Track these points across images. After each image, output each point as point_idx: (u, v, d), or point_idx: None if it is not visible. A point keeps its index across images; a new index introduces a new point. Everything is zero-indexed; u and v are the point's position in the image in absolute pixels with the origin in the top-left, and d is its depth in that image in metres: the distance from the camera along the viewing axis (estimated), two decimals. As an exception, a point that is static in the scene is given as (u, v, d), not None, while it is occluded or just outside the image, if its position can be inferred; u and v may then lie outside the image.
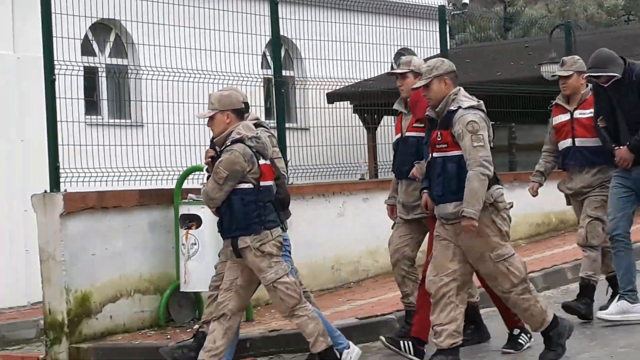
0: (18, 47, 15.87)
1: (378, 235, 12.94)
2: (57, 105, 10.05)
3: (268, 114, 14.48)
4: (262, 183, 8.60)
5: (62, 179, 9.98)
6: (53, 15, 9.94)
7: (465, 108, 8.37)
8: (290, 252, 9.29)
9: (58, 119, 10.04)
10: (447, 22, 15.82)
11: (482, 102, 8.53)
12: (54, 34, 9.98)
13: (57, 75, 10.02)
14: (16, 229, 15.14)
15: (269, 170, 8.70)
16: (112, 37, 16.93)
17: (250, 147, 8.52)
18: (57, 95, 10.02)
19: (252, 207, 8.54)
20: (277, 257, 8.52)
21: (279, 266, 8.49)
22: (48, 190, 9.88)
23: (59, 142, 10.04)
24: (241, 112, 8.81)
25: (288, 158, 12.37)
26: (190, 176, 10.68)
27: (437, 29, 15.00)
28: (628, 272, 9.51)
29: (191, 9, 11.83)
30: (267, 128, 9.54)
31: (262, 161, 8.61)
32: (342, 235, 12.79)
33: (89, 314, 9.94)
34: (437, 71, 8.57)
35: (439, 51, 14.79)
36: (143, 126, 12.62)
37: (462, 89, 8.65)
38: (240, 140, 8.54)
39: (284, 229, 8.96)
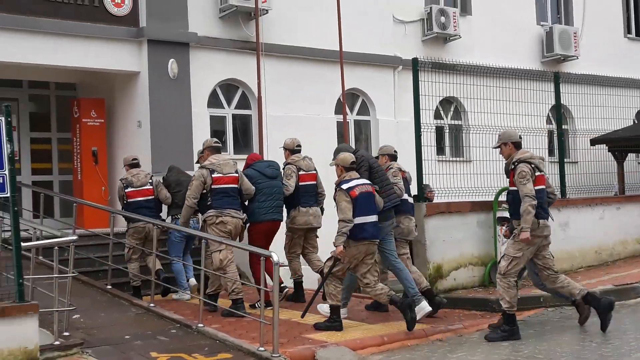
0: (397, 115, 16.23)
1: (627, 232, 12.34)
2: (421, 150, 10.20)
3: (551, 154, 13.95)
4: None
5: (425, 195, 10.11)
6: (421, 96, 10.12)
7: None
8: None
9: (423, 158, 10.17)
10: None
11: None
12: (420, 107, 10.16)
13: (422, 132, 10.17)
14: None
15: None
16: (452, 108, 16.96)
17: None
18: (422, 144, 10.16)
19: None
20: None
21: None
22: (416, 201, 10.01)
23: (423, 171, 10.16)
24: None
25: (567, 182, 12.07)
26: (503, 192, 10.53)
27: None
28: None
29: (500, 89, 11.63)
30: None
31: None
32: (602, 231, 12.20)
33: (441, 277, 9.98)
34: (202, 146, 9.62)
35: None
36: (471, 162, 12.50)
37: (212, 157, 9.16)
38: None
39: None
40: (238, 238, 9.21)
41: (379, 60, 16.06)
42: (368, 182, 8.39)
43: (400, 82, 16.16)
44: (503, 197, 10.52)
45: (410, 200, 9.44)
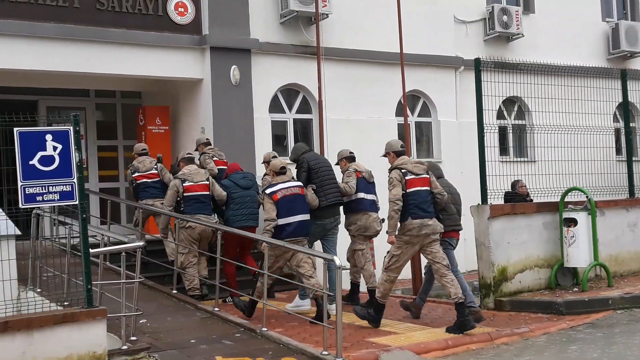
0: (459, 116, 16.07)
1: None
2: (484, 151, 10.04)
3: (618, 152, 13.59)
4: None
5: (488, 196, 9.94)
6: (483, 96, 9.97)
7: None
8: None
9: (486, 159, 10.01)
10: None
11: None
12: (483, 108, 10.01)
13: (485, 133, 10.01)
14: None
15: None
16: (515, 108, 16.68)
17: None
18: (485, 145, 10.01)
19: None
20: None
21: None
22: (480, 203, 9.88)
23: (486, 172, 10.00)
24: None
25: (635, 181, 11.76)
26: (570, 193, 10.33)
27: None
28: None
29: (564, 87, 11.37)
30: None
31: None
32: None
33: (506, 279, 9.82)
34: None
35: None
36: (536, 162, 12.28)
37: (185, 168, 10.35)
38: None
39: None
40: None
41: (440, 61, 15.91)
42: (297, 184, 9.13)
43: (462, 82, 15.98)
44: (569, 198, 10.33)
45: (369, 197, 9.68)
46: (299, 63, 14.28)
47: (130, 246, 7.91)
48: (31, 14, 11.93)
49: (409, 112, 15.15)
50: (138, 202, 11.21)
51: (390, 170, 8.55)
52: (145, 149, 11.61)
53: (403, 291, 12.74)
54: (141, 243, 8.31)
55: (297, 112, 14.65)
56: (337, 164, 10.14)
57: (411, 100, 15.68)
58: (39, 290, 8.63)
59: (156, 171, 11.28)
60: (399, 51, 13.79)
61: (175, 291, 10.10)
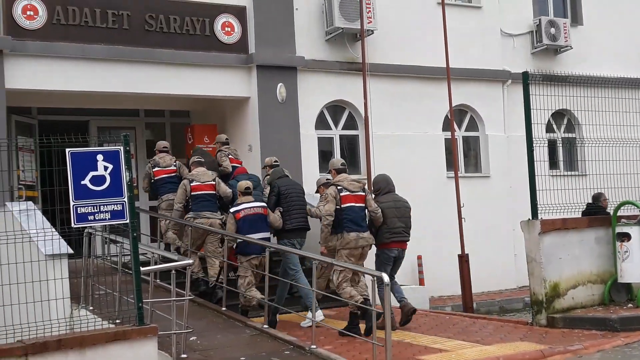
0: (507, 130, 15.91)
1: None
2: (534, 165, 9.87)
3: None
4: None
5: (539, 211, 9.76)
6: (532, 110, 9.82)
7: None
8: None
9: (536, 173, 9.85)
10: None
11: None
12: (532, 121, 9.85)
13: (534, 147, 9.85)
14: (508, 241, 15.07)
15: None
16: (565, 121, 16.44)
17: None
18: (534, 159, 9.85)
19: None
20: None
21: None
22: (530, 218, 9.71)
23: (536, 187, 9.83)
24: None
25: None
26: (623, 207, 10.09)
27: None
28: None
29: (615, 100, 11.13)
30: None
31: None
32: None
33: (558, 295, 9.57)
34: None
35: None
36: (587, 176, 12.02)
37: (195, 170, 10.94)
38: None
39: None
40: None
41: (487, 75, 15.78)
42: (260, 204, 9.90)
43: (509, 96, 15.82)
44: (622, 212, 10.10)
45: None
46: (344, 79, 14.30)
47: (180, 264, 7.97)
48: (82, 36, 12.17)
49: (456, 126, 15.03)
50: (158, 198, 11.66)
51: (328, 186, 9.29)
52: (166, 147, 12.05)
53: (453, 307, 12.57)
54: (191, 261, 8.37)
55: (343, 128, 14.65)
56: (317, 191, 10.60)
57: (458, 115, 15.56)
58: (91, 308, 8.72)
59: (175, 168, 11.69)
60: (445, 66, 13.72)
61: (224, 308, 10.12)
